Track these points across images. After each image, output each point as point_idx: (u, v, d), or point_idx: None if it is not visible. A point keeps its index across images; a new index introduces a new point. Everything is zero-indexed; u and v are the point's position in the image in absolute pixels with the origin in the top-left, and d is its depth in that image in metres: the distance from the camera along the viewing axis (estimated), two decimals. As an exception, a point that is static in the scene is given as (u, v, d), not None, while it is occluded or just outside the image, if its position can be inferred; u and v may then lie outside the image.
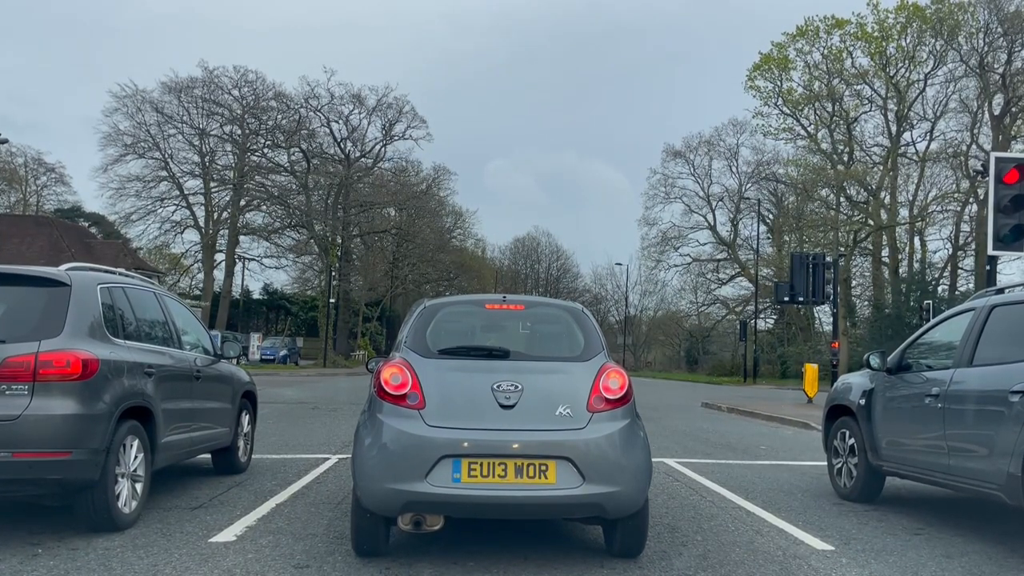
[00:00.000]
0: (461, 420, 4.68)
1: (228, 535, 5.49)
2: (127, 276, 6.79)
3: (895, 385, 6.96)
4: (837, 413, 7.87)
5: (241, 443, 8.14)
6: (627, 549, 5.07)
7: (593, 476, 4.59)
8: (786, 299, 20.59)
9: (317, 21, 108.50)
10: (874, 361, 7.22)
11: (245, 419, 8.27)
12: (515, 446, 4.59)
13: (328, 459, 9.16)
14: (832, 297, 20.29)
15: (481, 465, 4.55)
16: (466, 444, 4.57)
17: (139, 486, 5.77)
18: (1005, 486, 5.39)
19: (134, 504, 5.69)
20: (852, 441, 7.43)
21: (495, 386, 4.75)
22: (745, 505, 7.06)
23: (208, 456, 7.91)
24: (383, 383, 4.81)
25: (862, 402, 7.30)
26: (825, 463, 8.26)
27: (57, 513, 5.82)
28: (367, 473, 4.65)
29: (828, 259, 20.81)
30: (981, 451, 5.69)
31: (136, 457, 5.72)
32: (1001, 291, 6.60)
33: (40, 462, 5.00)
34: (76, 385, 5.16)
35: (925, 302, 32.53)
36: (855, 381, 7.69)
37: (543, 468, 4.57)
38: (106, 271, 6.44)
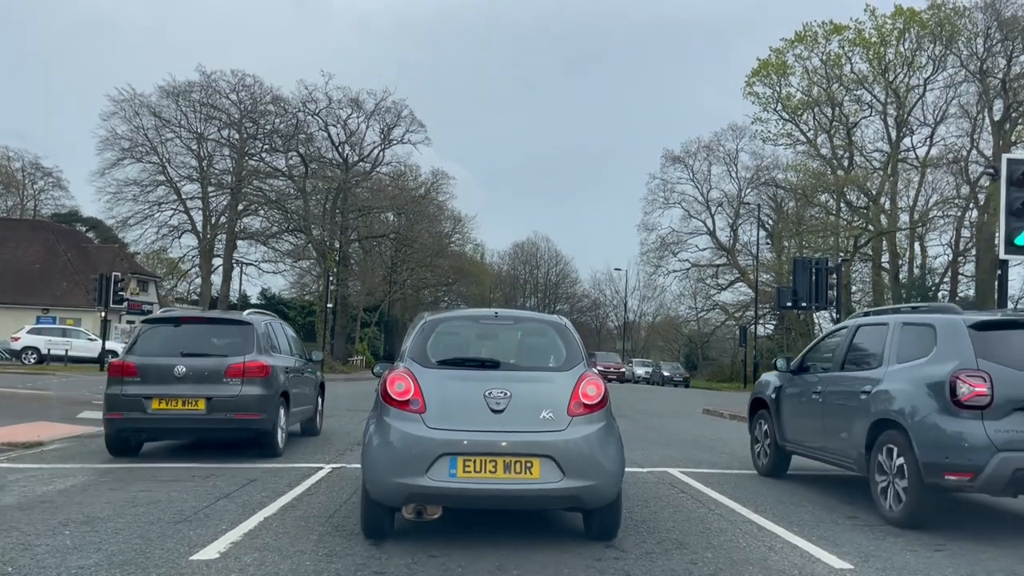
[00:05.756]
0: (457, 423, 5.19)
1: (211, 552, 5.18)
2: (264, 314, 10.83)
3: (795, 383, 8.67)
4: (757, 405, 9.56)
5: (318, 416, 12.27)
6: (603, 534, 5.66)
7: (572, 471, 5.12)
8: (789, 304, 20.27)
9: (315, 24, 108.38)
10: (780, 364, 9.03)
11: (320, 400, 12.50)
12: (504, 445, 5.12)
13: (321, 469, 8.82)
14: (835, 302, 20.00)
15: (475, 462, 5.07)
16: (464, 443, 5.10)
17: (283, 433, 9.78)
18: (856, 461, 7.17)
19: (282, 444, 9.73)
20: (766, 427, 9.14)
21: (487, 393, 5.26)
22: (755, 519, 6.75)
23: (200, 464, 7.66)
24: (388, 389, 5.34)
25: (773, 396, 8.99)
26: (836, 472, 8.54)
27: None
28: (375, 468, 5.22)
29: (831, 264, 20.54)
30: (844, 435, 7.36)
31: (283, 418, 9.72)
32: (868, 314, 8.41)
33: (246, 419, 9.05)
34: (262, 379, 9.22)
35: (927, 308, 32.40)
36: (770, 379, 9.30)
37: (528, 465, 5.10)
38: (265, 313, 11.00)
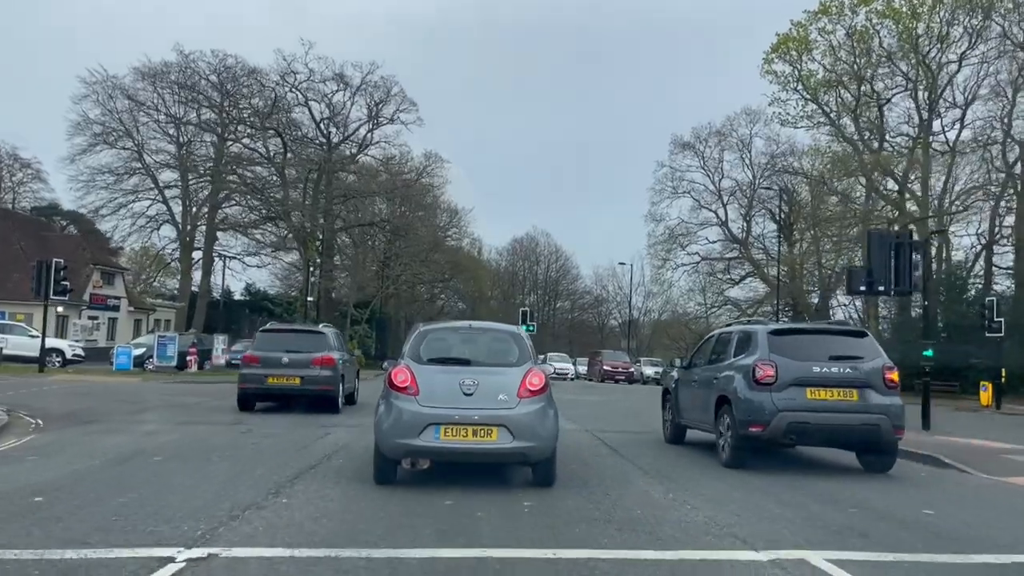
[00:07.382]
0: (440, 402, 7.59)
1: None
2: (329, 327, 18.67)
3: (685, 375, 12.28)
4: (665, 393, 13.17)
5: (355, 392, 18.23)
6: (543, 481, 7.99)
7: (520, 436, 7.50)
8: (862, 288, 16.28)
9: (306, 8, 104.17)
10: (676, 362, 13.42)
11: (358, 382, 19.06)
12: (475, 417, 7.50)
13: (171, 562, 4.71)
14: (922, 285, 15.95)
15: (452, 429, 7.48)
16: (445, 416, 7.50)
17: (341, 399, 16.18)
18: (710, 427, 10.65)
19: (341, 406, 16.06)
20: (669, 407, 12.75)
21: (461, 382, 7.69)
22: None
23: None
24: (393, 379, 7.83)
25: (673, 385, 12.65)
26: None
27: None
28: (384, 432, 7.64)
29: (915, 238, 16.52)
30: (705, 408, 10.88)
31: (342, 390, 16.20)
32: (729, 325, 12.37)
33: (323, 390, 15.61)
34: (331, 367, 15.81)
35: (988, 299, 29.55)
36: (673, 373, 12.94)
37: (489, 431, 7.48)
38: (329, 326, 19.32)
